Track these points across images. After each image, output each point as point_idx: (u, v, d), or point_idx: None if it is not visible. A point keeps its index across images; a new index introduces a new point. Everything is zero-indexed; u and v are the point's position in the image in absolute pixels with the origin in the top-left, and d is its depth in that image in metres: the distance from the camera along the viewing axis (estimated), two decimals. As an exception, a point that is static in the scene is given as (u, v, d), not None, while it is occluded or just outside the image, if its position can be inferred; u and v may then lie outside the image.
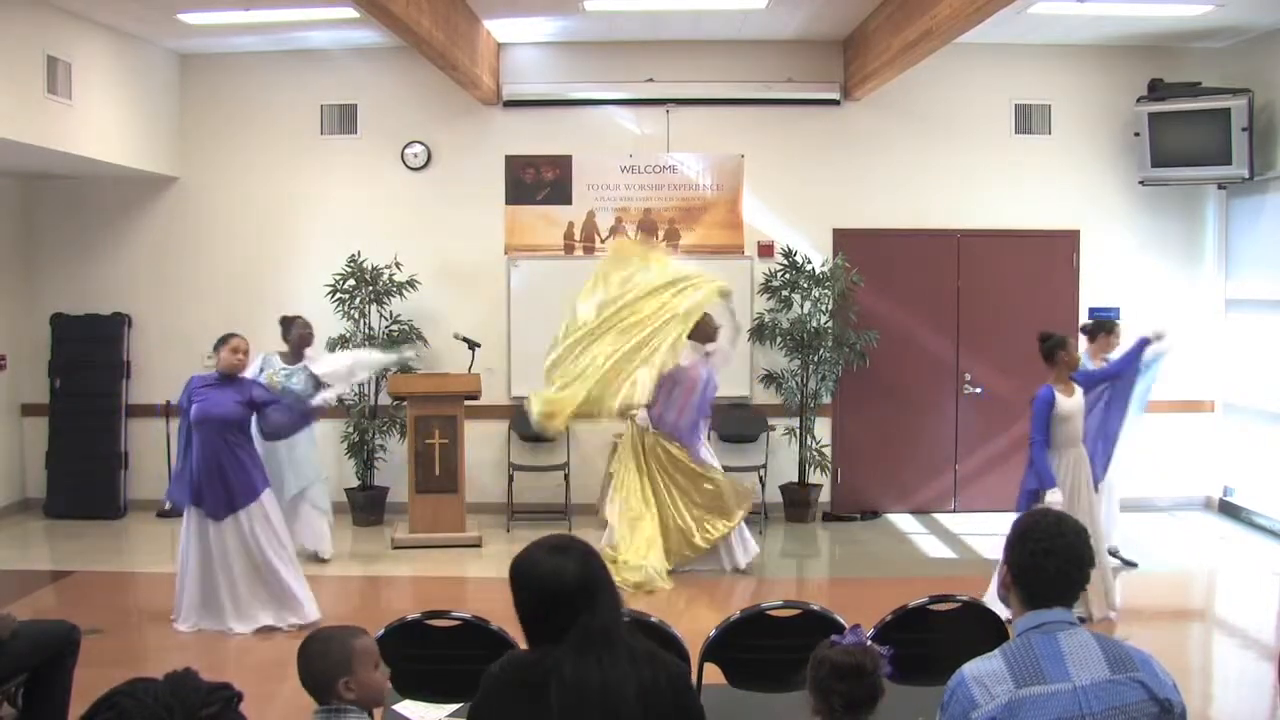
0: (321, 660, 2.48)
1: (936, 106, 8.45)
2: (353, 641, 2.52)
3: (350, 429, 8.18)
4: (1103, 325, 6.79)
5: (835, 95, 8.42)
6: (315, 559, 6.97)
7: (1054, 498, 5.47)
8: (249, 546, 5.63)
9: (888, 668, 2.32)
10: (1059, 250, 8.51)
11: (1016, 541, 2.25)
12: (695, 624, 4.35)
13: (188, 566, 5.67)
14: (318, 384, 6.40)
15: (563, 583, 2.23)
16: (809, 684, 2.38)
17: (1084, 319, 7.93)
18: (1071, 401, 5.73)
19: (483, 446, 8.25)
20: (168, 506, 7.32)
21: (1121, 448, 6.38)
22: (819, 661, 2.36)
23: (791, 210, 8.51)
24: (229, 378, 5.64)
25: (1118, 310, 8.40)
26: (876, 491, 8.61)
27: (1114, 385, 6.27)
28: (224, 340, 5.70)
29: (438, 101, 8.42)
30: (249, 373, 6.12)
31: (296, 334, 6.96)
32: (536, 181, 8.52)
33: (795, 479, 8.31)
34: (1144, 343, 6.24)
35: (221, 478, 5.55)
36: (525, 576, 2.28)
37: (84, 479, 8.42)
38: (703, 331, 6.89)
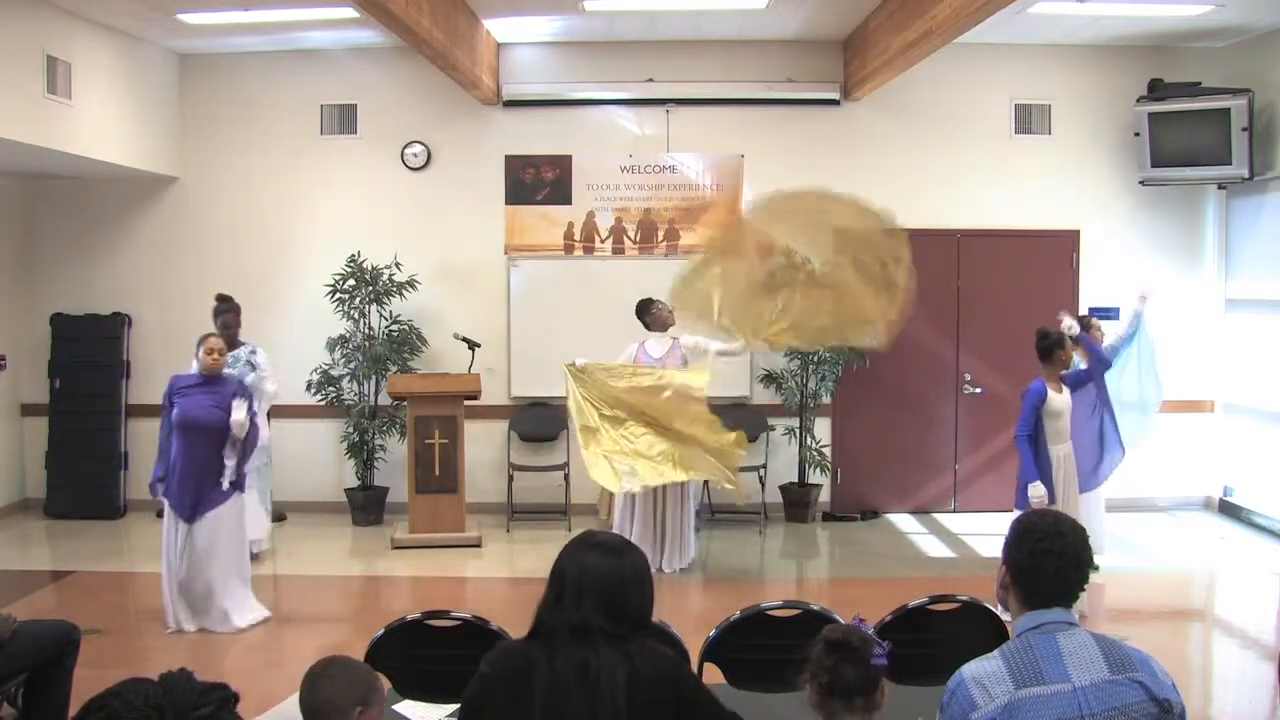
0: (344, 682, 2.35)
1: (936, 106, 8.45)
2: (377, 678, 2.44)
3: (350, 429, 8.18)
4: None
5: (835, 95, 8.42)
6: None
7: (1036, 492, 5.49)
8: (212, 547, 5.63)
9: (881, 657, 2.27)
10: (1059, 250, 8.51)
11: (1015, 542, 2.25)
12: (695, 624, 4.35)
13: (169, 565, 5.69)
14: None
15: (606, 580, 2.31)
16: (809, 666, 2.36)
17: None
18: (1061, 398, 5.79)
19: (483, 446, 8.26)
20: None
21: (1115, 455, 6.54)
22: (815, 641, 2.34)
23: (791, 210, 8.51)
24: (209, 378, 5.65)
25: (1117, 310, 8.40)
26: (876, 491, 8.61)
27: (1099, 386, 6.37)
28: (201, 340, 5.72)
29: (438, 101, 8.42)
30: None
31: (221, 320, 6.89)
32: (536, 181, 8.52)
33: (795, 479, 8.31)
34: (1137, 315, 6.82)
35: (197, 481, 5.58)
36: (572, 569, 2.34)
37: (84, 479, 8.42)
38: (660, 320, 6.91)
